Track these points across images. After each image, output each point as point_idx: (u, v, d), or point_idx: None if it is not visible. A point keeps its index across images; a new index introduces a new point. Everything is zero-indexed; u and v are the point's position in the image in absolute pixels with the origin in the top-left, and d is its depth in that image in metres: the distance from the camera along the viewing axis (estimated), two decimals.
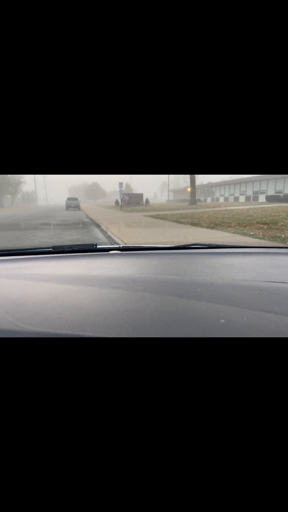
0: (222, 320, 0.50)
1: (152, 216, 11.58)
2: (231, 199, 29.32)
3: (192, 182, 21.50)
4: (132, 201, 25.57)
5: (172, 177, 55.17)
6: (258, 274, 0.82)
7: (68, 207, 21.84)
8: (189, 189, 39.75)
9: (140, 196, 27.05)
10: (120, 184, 19.50)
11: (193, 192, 21.37)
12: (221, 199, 31.22)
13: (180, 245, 1.28)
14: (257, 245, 1.73)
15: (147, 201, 26.98)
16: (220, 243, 1.51)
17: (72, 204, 22.13)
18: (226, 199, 30.24)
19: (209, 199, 34.29)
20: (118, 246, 1.25)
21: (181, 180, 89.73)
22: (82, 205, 23.78)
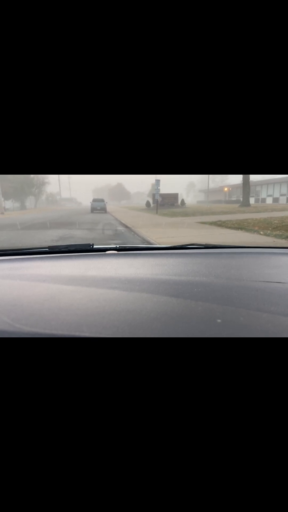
0: (219, 320, 0.51)
1: (215, 224, 7.98)
2: (282, 199, 24.91)
3: (245, 179, 17.61)
4: (165, 202, 22.03)
5: (199, 176, 51.20)
6: (255, 274, 0.80)
7: (93, 209, 18.85)
8: (226, 189, 35.64)
9: (174, 196, 23.46)
10: (157, 181, 15.98)
11: (246, 191, 17.52)
12: (268, 200, 26.84)
13: (177, 245, 1.24)
14: (254, 245, 1.51)
15: (182, 202, 23.41)
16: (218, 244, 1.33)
17: (98, 206, 19.13)
18: (275, 200, 25.85)
19: (252, 200, 29.94)
20: (115, 246, 1.20)
21: (210, 180, 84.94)
22: (107, 207, 20.61)
